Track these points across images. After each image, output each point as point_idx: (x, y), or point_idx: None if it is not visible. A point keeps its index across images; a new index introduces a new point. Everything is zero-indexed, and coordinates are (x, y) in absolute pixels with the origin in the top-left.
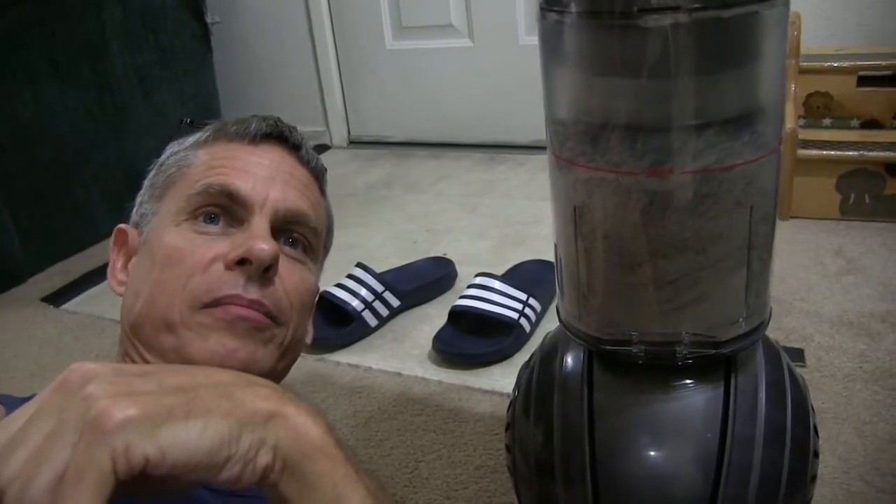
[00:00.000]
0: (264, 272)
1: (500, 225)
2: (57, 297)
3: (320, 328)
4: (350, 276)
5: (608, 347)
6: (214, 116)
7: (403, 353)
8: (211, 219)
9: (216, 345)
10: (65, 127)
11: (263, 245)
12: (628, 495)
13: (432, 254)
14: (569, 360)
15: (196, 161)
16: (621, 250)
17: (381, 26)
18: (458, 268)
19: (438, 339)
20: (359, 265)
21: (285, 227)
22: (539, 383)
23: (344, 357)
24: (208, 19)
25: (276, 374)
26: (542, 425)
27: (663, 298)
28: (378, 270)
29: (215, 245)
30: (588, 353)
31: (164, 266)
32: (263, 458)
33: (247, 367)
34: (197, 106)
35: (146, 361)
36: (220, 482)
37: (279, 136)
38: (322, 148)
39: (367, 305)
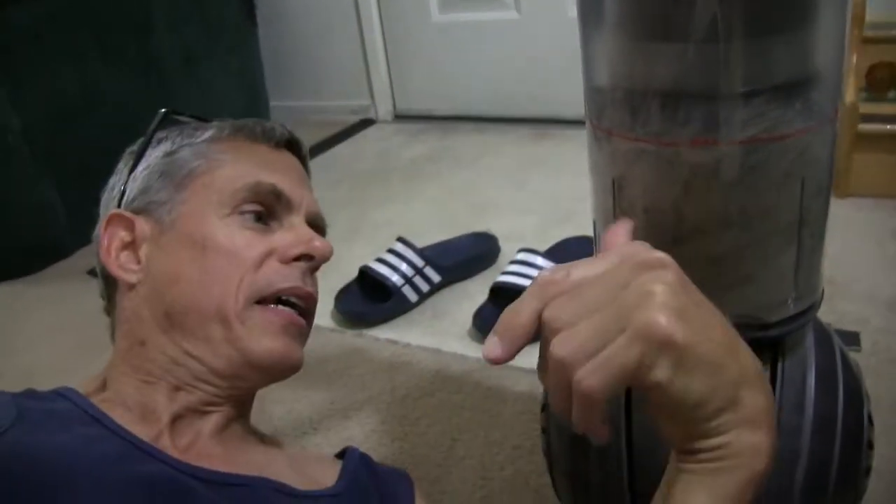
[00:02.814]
0: (314, 269)
1: (546, 201)
2: None
3: (360, 303)
4: (390, 251)
5: None
6: (259, 91)
7: (443, 329)
8: (257, 216)
9: (278, 344)
10: (110, 105)
11: (324, 243)
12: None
13: (476, 229)
14: None
15: (223, 156)
16: (662, 226)
17: None
18: (501, 244)
19: (479, 315)
20: (399, 239)
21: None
22: None
23: (383, 333)
24: None
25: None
26: None
27: (706, 277)
28: (420, 245)
29: (265, 240)
30: None
31: (213, 256)
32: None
33: (294, 367)
34: (242, 81)
35: (180, 348)
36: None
37: (295, 144)
38: (367, 122)
39: (408, 280)
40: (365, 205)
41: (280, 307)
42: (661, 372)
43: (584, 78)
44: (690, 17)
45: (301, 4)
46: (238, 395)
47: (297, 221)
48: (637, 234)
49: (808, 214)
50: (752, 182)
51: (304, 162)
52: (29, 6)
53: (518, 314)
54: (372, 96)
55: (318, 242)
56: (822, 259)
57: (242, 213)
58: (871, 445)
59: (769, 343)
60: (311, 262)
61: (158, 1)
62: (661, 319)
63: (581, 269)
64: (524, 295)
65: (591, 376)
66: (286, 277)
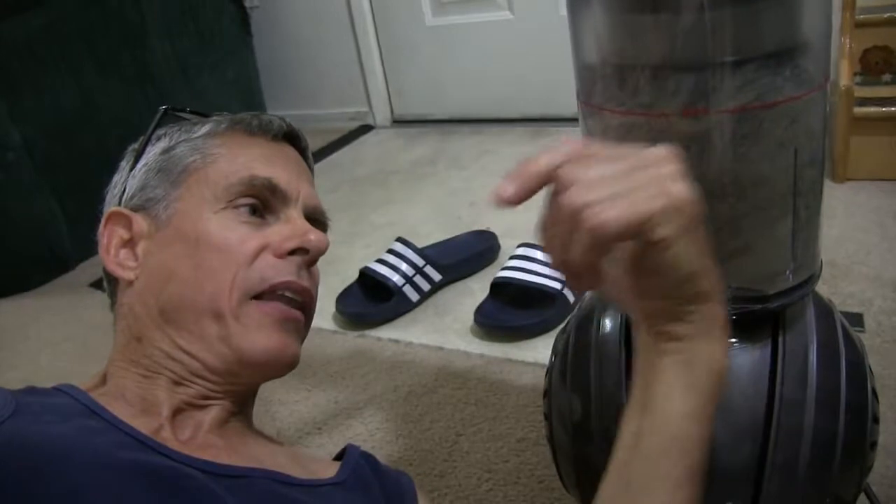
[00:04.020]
0: (310, 263)
1: (543, 198)
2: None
3: (361, 304)
4: (390, 251)
5: None
6: (256, 100)
7: (445, 327)
8: (252, 209)
9: (269, 339)
10: (107, 116)
11: (319, 236)
12: None
13: (476, 228)
14: (606, 322)
15: (218, 151)
16: None
17: (420, 3)
18: (501, 241)
19: (480, 311)
20: (399, 240)
21: (310, 222)
22: (575, 348)
23: (385, 332)
24: (247, 3)
25: (292, 369)
26: (579, 391)
27: None
28: (421, 246)
29: (259, 234)
30: (625, 315)
31: (207, 252)
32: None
33: (291, 363)
34: (238, 90)
35: (174, 344)
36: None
37: (294, 136)
38: (365, 128)
39: (408, 280)
40: (365, 208)
41: (275, 302)
42: (671, 227)
43: (573, 57)
44: None
45: (296, 13)
46: (237, 390)
47: (294, 215)
48: None
49: (803, 184)
50: (744, 151)
51: (304, 154)
52: (22, 20)
53: (534, 162)
54: (369, 102)
55: (312, 235)
56: (819, 230)
57: (237, 207)
58: (876, 419)
59: (769, 316)
60: (306, 255)
61: (152, 12)
62: (684, 186)
63: (598, 145)
64: (541, 152)
65: (609, 209)
66: (280, 272)
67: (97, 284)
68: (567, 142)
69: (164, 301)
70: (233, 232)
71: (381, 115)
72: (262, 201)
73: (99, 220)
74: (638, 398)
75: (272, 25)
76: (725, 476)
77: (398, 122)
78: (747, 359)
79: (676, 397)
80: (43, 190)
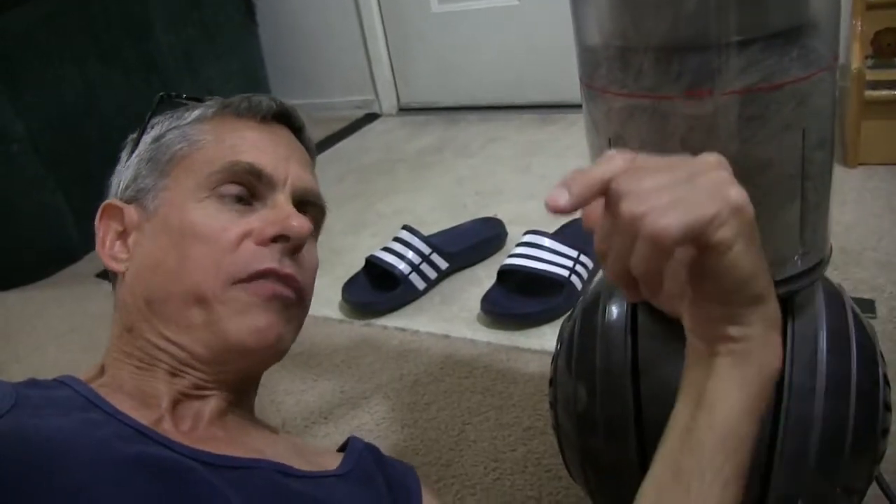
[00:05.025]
0: (298, 249)
1: (552, 184)
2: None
3: (367, 293)
4: (396, 239)
5: None
6: (262, 90)
7: (452, 315)
8: (237, 197)
9: (253, 321)
10: (111, 107)
11: (301, 222)
12: None
13: (482, 216)
14: (612, 309)
15: (205, 137)
16: None
17: None
18: (508, 228)
19: (486, 299)
20: (405, 227)
21: (300, 206)
22: (581, 335)
23: (391, 321)
24: None
25: (282, 354)
26: (585, 378)
27: None
28: (428, 234)
29: (243, 221)
30: (631, 302)
31: (192, 241)
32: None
33: (276, 346)
34: (244, 80)
35: (162, 335)
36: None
37: (286, 116)
38: (372, 116)
39: (415, 268)
40: (372, 197)
41: (263, 280)
42: (729, 231)
43: (575, 39)
44: None
45: (301, 2)
46: (231, 379)
47: (281, 199)
48: None
49: (811, 167)
50: (750, 133)
51: (299, 134)
52: (24, 11)
53: (588, 173)
54: (375, 91)
55: (294, 221)
56: (828, 215)
57: (221, 195)
58: (888, 407)
59: (778, 302)
60: (287, 242)
61: (155, 2)
62: (741, 191)
63: (645, 156)
64: (590, 166)
65: (667, 215)
66: (262, 259)
67: (103, 275)
68: (616, 153)
69: (150, 292)
70: (215, 221)
71: (388, 103)
72: (249, 187)
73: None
74: (691, 394)
75: (277, 14)
76: None
77: (404, 109)
78: None
79: (732, 396)
80: (48, 181)
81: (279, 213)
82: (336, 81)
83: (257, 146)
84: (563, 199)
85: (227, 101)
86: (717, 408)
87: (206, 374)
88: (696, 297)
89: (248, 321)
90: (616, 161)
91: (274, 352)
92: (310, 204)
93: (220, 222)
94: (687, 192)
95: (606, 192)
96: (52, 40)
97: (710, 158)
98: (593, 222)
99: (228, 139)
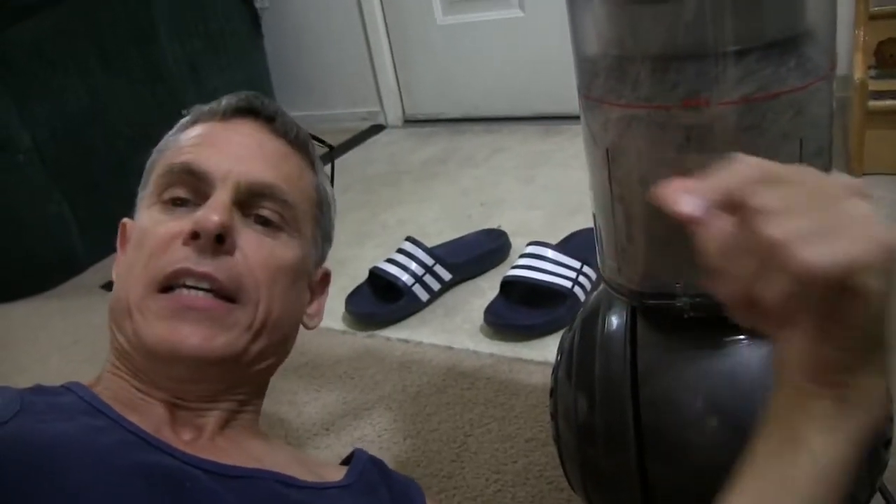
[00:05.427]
0: (219, 245)
1: (556, 195)
2: None
3: (370, 304)
4: (400, 251)
5: (651, 302)
6: None
7: (454, 326)
8: (180, 199)
9: (165, 330)
10: (117, 117)
11: (212, 216)
12: (678, 463)
13: (486, 227)
14: (612, 319)
15: (174, 145)
16: None
17: (430, 1)
18: (512, 239)
19: (489, 311)
20: (408, 239)
21: (252, 201)
22: (581, 346)
23: (394, 332)
24: (257, 4)
25: (250, 356)
26: (585, 388)
27: None
28: (432, 245)
29: (175, 224)
30: (631, 311)
31: (136, 251)
32: None
33: (202, 353)
34: (249, 91)
35: (120, 347)
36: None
37: (250, 110)
38: (377, 128)
39: (418, 280)
40: (376, 208)
41: (178, 291)
42: (877, 277)
43: (573, 50)
44: None
45: (306, 13)
46: (196, 390)
47: (217, 195)
48: (634, 205)
49: None
50: (748, 143)
51: (270, 122)
52: (31, 22)
53: (716, 179)
54: (380, 102)
55: (207, 215)
56: None
57: (164, 200)
58: (891, 419)
59: None
60: (198, 239)
61: (161, 12)
62: (887, 230)
63: (775, 164)
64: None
65: (818, 251)
66: (175, 260)
67: (109, 286)
68: (742, 160)
69: (112, 302)
70: (152, 224)
71: (393, 114)
72: (191, 188)
73: (109, 222)
74: (777, 435)
75: (282, 26)
76: (732, 476)
77: (409, 121)
78: (756, 355)
79: (830, 442)
80: (54, 192)
81: (205, 209)
82: (341, 93)
83: (206, 144)
84: (692, 205)
85: (203, 107)
86: (813, 452)
87: (158, 386)
88: (815, 335)
89: (160, 328)
90: (743, 168)
91: (194, 359)
92: (266, 197)
93: (156, 226)
94: (833, 221)
95: (734, 204)
96: (59, 51)
97: (846, 181)
98: (710, 236)
99: (189, 143)
